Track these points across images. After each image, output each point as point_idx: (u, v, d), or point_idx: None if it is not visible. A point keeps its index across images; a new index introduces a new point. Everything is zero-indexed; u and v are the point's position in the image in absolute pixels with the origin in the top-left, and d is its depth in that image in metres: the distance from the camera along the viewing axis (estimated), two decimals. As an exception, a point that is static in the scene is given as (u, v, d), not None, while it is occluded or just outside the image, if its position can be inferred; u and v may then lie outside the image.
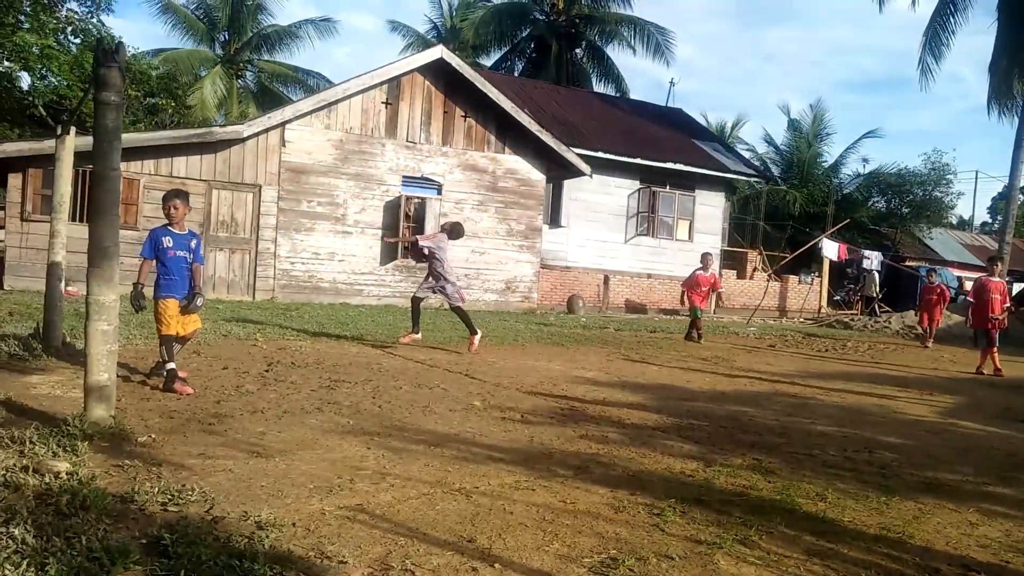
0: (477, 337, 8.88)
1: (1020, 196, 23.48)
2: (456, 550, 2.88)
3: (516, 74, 31.67)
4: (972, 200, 68.37)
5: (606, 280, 20.08)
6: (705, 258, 13.58)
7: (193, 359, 6.76)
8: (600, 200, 20.57)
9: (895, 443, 5.55)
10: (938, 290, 15.30)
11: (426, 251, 9.02)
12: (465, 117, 16.38)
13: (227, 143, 14.11)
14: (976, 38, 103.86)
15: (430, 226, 15.66)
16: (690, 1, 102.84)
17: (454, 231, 9.29)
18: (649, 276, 21.16)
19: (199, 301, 5.71)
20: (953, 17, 22.47)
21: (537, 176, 17.25)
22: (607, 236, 20.79)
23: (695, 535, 3.21)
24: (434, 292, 9.14)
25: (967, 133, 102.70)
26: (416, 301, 9.20)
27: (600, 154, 19.81)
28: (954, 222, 37.97)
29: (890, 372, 10.60)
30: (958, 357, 12.93)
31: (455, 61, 15.78)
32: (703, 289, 13.12)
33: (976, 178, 57.64)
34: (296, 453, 4.05)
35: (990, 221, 55.19)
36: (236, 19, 31.57)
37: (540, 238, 17.57)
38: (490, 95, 16.03)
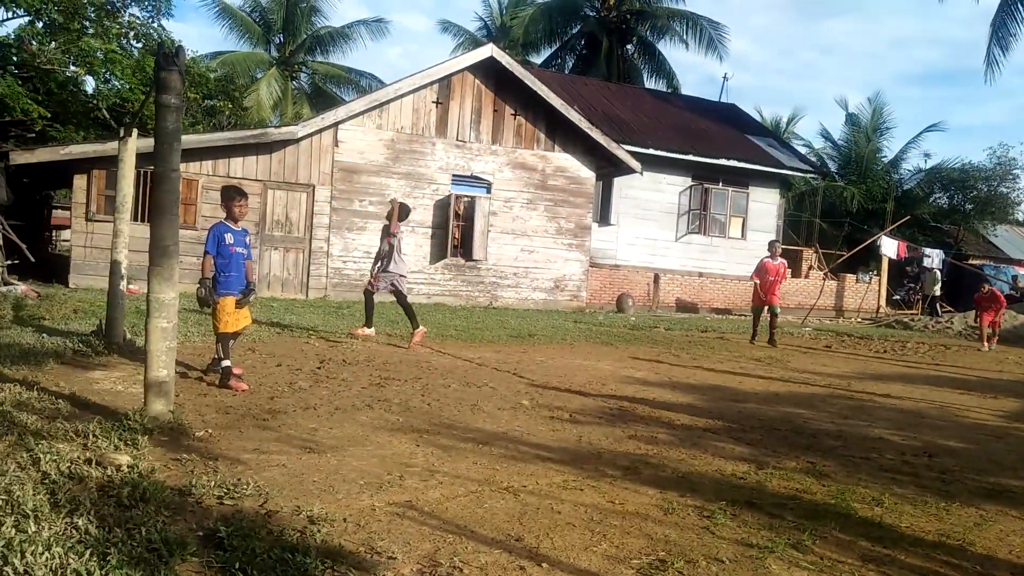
0: (421, 332, 8.56)
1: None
2: (504, 548, 2.89)
3: (566, 71, 31.57)
4: (1041, 195, 65.97)
5: (656, 279, 19.89)
6: (773, 245, 12.79)
7: (248, 356, 6.93)
8: (651, 197, 20.38)
9: (956, 447, 5.38)
10: (988, 295, 14.82)
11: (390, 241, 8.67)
12: (515, 115, 16.40)
13: (282, 144, 14.39)
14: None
15: (480, 225, 15.74)
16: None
17: (403, 211, 8.95)
18: (700, 275, 20.89)
19: (252, 296, 5.86)
20: (1022, 4, 21.61)
21: (587, 174, 17.18)
22: (657, 234, 20.59)
23: (746, 538, 3.16)
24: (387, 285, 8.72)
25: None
26: (369, 293, 8.91)
27: (651, 151, 19.62)
28: (1021, 218, 36.48)
29: (951, 374, 10.27)
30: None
31: (505, 59, 15.81)
32: (771, 279, 12.18)
33: (1047, 173, 55.32)
34: (347, 449, 4.12)
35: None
36: (291, 21, 32.19)
37: (589, 236, 17.49)
38: (540, 93, 16.02)
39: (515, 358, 8.36)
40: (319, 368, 6.66)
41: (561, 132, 16.73)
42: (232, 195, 5.88)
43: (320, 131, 14.69)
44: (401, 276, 8.81)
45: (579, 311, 16.54)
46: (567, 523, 3.22)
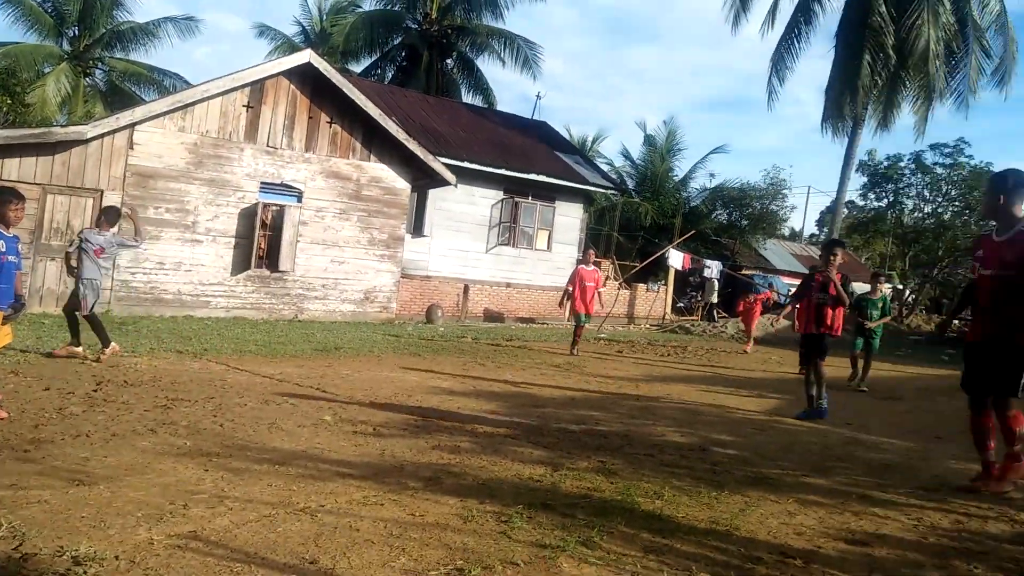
0: (110, 349, 7.84)
1: (844, 210, 25.69)
2: (297, 572, 2.81)
3: (386, 82, 31.33)
4: (804, 213, 74.50)
5: (466, 289, 20.20)
6: (586, 252, 12.88)
7: (10, 379, 6.19)
8: (464, 210, 20.69)
9: (726, 440, 5.94)
10: (751, 300, 16.57)
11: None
12: (331, 123, 16.00)
13: (68, 144, 13.03)
14: (816, 63, 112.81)
15: (289, 235, 15.18)
16: (559, 18, 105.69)
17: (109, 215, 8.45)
18: (508, 285, 21.48)
19: (23, 312, 5.25)
20: (797, 43, 24.31)
21: (402, 185, 17.11)
22: (469, 246, 20.93)
23: (540, 540, 3.29)
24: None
25: (803, 151, 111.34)
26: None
27: (466, 164, 19.93)
28: (786, 233, 41.07)
29: (725, 374, 11.32)
30: (785, 359, 13.97)
31: (322, 66, 15.39)
32: (588, 285, 12.25)
33: (808, 193, 62.77)
34: (124, 479, 3.80)
35: (817, 232, 60.09)
36: (88, 14, 29.17)
37: (402, 247, 17.43)
38: (357, 101, 15.75)
39: (319, 372, 8.14)
40: (95, 391, 6.08)
41: (378, 142, 16.55)
42: (7, 198, 5.26)
43: (113, 132, 13.46)
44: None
45: (389, 322, 16.41)
46: (366, 540, 3.18)
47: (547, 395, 7.81)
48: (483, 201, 21.10)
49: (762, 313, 17.25)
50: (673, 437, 5.92)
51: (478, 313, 20.48)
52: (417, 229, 19.85)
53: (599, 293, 12.65)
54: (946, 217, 28.10)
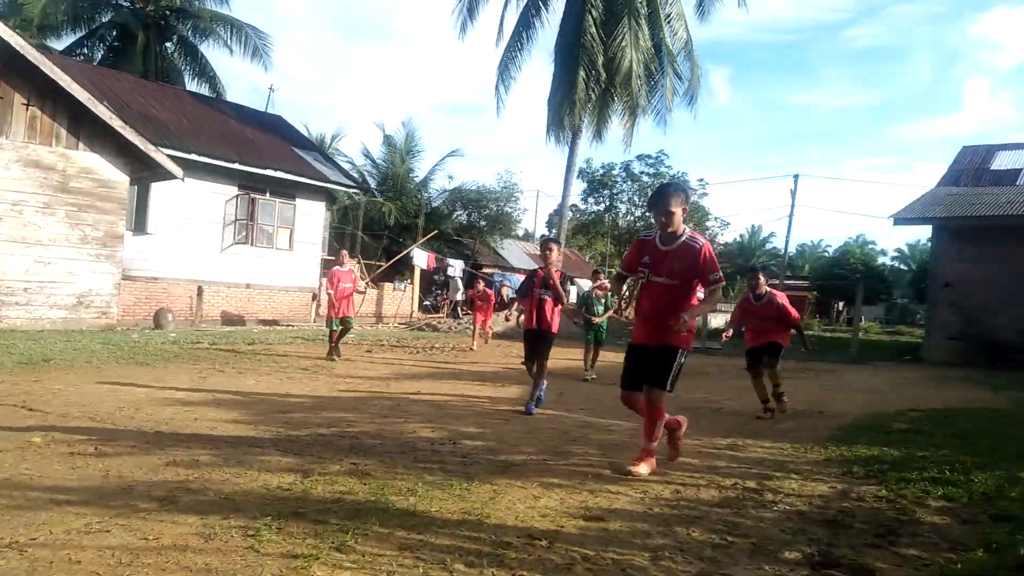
0: None
1: (569, 213, 27.74)
2: (4, 618, 2.44)
3: (95, 63, 28.02)
4: (535, 215, 79.39)
5: (200, 292, 18.83)
6: (340, 253, 12.58)
7: None
8: (194, 206, 19.24)
9: (474, 432, 6.16)
10: (481, 294, 17.11)
11: None
12: (27, 105, 14.01)
13: None
14: (542, 75, 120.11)
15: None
16: (289, 10, 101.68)
17: None
18: (248, 286, 20.40)
19: None
20: (520, 55, 25.75)
21: (118, 177, 15.47)
22: (202, 244, 19.52)
23: (292, 550, 3.17)
24: None
25: (534, 156, 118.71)
26: None
27: (194, 156, 18.55)
28: (521, 234, 43.51)
29: (471, 369, 11.75)
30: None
31: (14, 39, 13.39)
32: (346, 287, 11.91)
33: (537, 196, 67.37)
34: None
35: (547, 234, 64.70)
36: None
37: (122, 246, 15.78)
38: (60, 82, 13.95)
39: (24, 388, 7.12)
40: None
41: (87, 129, 14.80)
42: None
43: None
44: None
45: (110, 330, 14.80)
46: (90, 572, 2.84)
47: (294, 400, 7.55)
48: (216, 197, 19.82)
49: (496, 310, 17.98)
50: (424, 433, 6.01)
51: (215, 317, 19.22)
52: (140, 226, 18.14)
53: (356, 295, 12.40)
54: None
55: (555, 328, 7.65)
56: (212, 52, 31.77)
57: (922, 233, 52.81)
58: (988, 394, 11.60)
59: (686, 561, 3.27)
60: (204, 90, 30.35)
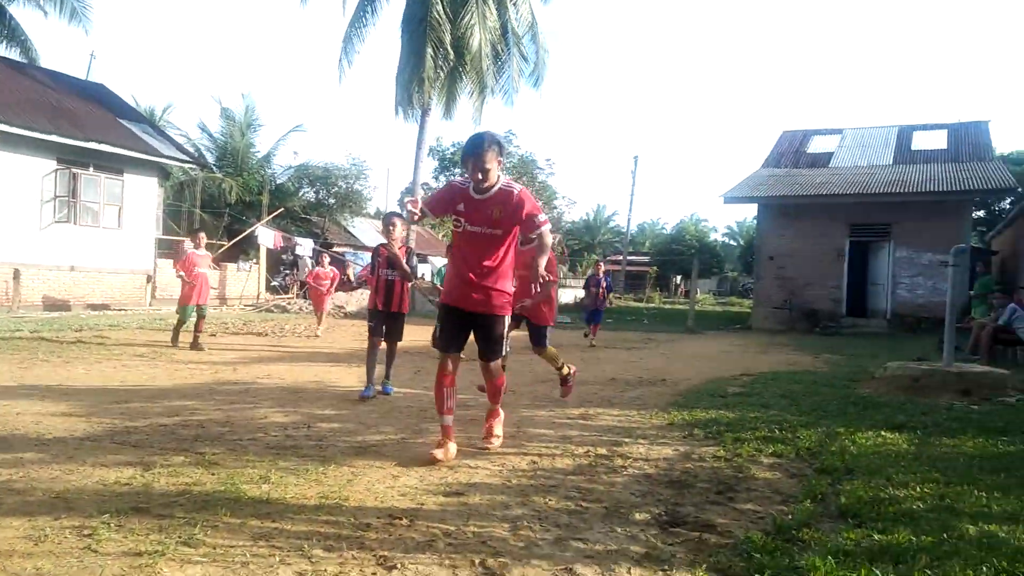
0: None
1: (421, 190, 27.55)
2: None
3: None
4: (385, 193, 78.28)
5: (16, 275, 17.13)
6: (197, 235, 11.79)
7: None
8: (6, 182, 17.41)
9: (330, 415, 6.03)
10: (315, 275, 15.78)
11: None
12: None
13: None
14: (390, 49, 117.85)
15: None
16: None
17: None
18: (72, 268, 18.78)
19: None
20: (364, 28, 25.05)
21: (-93, 148, 13.71)
22: (16, 223, 17.73)
23: (134, 548, 2.97)
24: None
25: (384, 132, 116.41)
26: None
27: (3, 127, 16.74)
28: (372, 212, 42.74)
29: (324, 350, 11.46)
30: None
31: None
32: (202, 271, 11.27)
33: (388, 174, 66.26)
34: None
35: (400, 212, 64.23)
36: None
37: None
38: None
39: None
40: None
41: None
42: None
43: None
44: None
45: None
46: None
47: (130, 388, 7.06)
48: (30, 172, 18.06)
49: (348, 290, 17.44)
50: (276, 418, 5.81)
51: (36, 302, 17.60)
52: (-62, 203, 16.24)
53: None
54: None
55: (405, 307, 7.40)
56: (22, 13, 28.69)
57: (749, 211, 56.95)
58: (810, 358, 12.73)
59: (544, 529, 3.37)
60: (14, 55, 27.36)
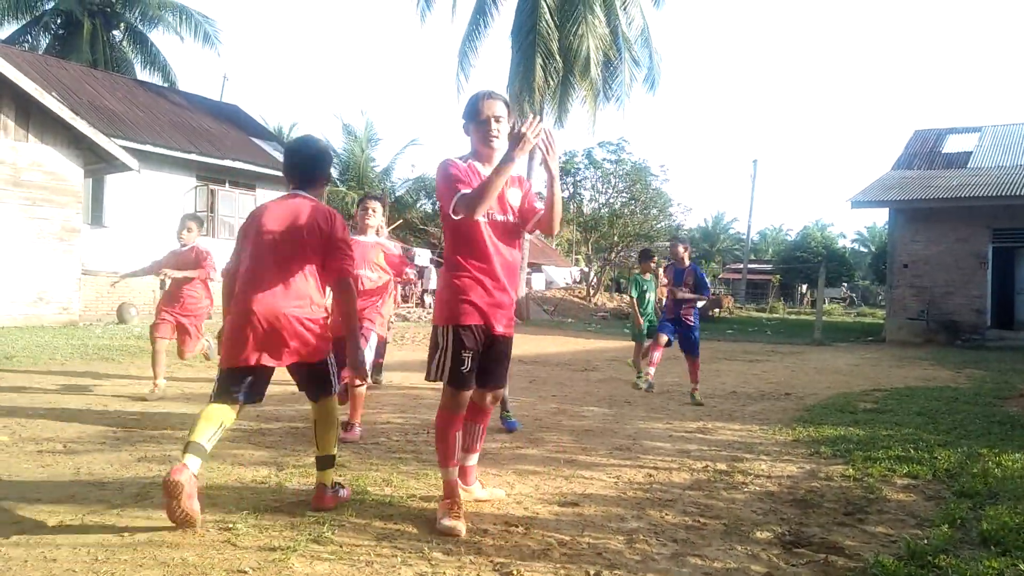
0: None
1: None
2: (-21, 620, 2.41)
3: (40, 51, 27.26)
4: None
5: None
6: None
7: None
8: (152, 198, 18.89)
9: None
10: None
11: None
12: (-31, 97, 13.63)
13: None
14: (502, 61, 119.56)
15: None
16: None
17: None
18: (212, 279, 20.12)
19: None
20: (478, 41, 25.56)
21: (72, 169, 15.13)
22: (162, 237, 19.16)
23: (268, 543, 3.16)
24: None
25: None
26: None
27: (149, 147, 18.18)
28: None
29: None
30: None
31: (-49, 27, 13.01)
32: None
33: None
34: None
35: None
36: None
37: (80, 240, 15.45)
38: (4, 72, 13.56)
39: (-17, 388, 6.96)
40: None
41: (37, 120, 14.44)
42: None
43: None
44: None
45: (72, 325, 14.51)
46: (66, 570, 2.82)
47: (267, 391, 7.47)
48: (173, 189, 19.49)
49: None
50: (397, 422, 6.02)
51: (177, 310, 18.89)
52: (96, 220, 17.78)
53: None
54: (617, 206, 31.81)
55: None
56: (162, 40, 31.22)
57: (879, 216, 54.00)
58: (949, 373, 11.92)
59: (660, 543, 3.33)
60: (156, 79, 29.73)
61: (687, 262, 8.22)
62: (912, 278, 21.44)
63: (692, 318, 8.04)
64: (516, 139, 3.31)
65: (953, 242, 20.79)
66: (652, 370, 8.14)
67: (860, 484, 4.41)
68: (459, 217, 3.42)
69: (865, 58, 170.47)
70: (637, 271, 9.51)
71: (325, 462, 3.74)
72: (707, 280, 8.41)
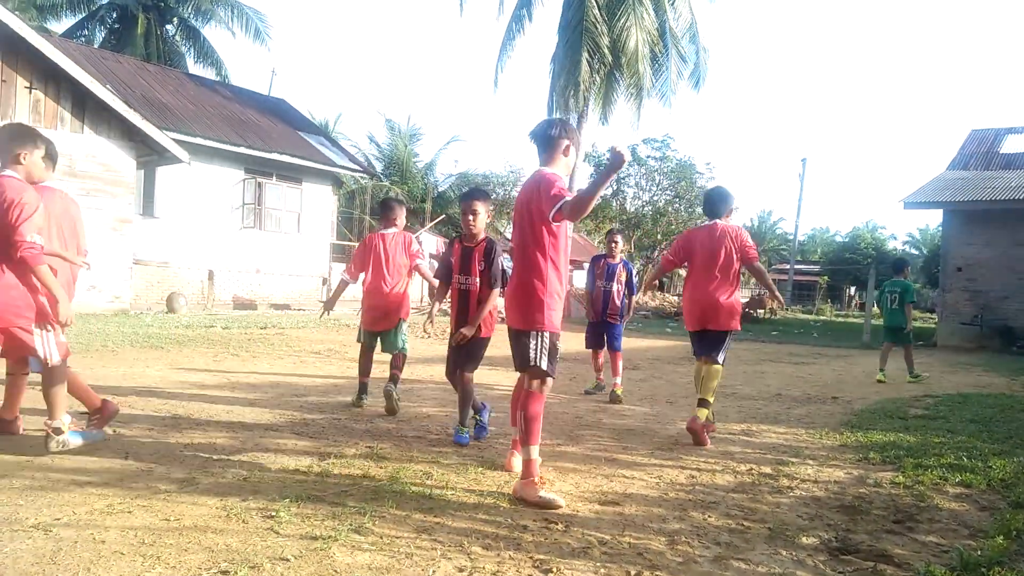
0: None
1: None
2: (31, 597, 2.47)
3: (95, 45, 28.02)
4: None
5: (211, 276, 18.90)
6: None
7: None
8: (202, 190, 19.29)
9: (492, 417, 6.15)
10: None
11: None
12: (30, 88, 14.01)
13: None
14: (546, 57, 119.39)
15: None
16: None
17: None
18: (258, 271, 20.45)
19: None
20: (522, 35, 25.44)
21: (125, 161, 15.50)
22: (211, 228, 19.58)
23: (310, 532, 3.19)
24: None
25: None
26: None
27: (199, 140, 18.55)
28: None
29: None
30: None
31: (14, 22, 13.39)
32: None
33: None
34: None
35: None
36: None
37: (132, 230, 15.84)
38: (62, 65, 13.94)
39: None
40: None
41: (92, 113, 14.81)
42: None
43: None
44: None
45: (123, 314, 14.89)
46: (114, 552, 2.88)
47: (308, 383, 7.58)
48: (222, 181, 19.88)
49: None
50: (439, 417, 6.04)
51: (227, 301, 19.30)
52: (147, 210, 18.21)
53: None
54: (660, 204, 31.46)
55: (486, 330, 5.37)
56: (214, 34, 31.89)
57: (932, 218, 52.55)
58: (1005, 380, 11.54)
59: (703, 546, 3.27)
60: (209, 74, 30.32)
61: (618, 257, 7.92)
62: (966, 282, 20.82)
63: (617, 317, 7.89)
64: (618, 156, 3.56)
65: (1011, 246, 20.12)
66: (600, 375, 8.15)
67: (910, 492, 4.28)
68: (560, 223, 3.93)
69: (921, 55, 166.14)
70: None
71: None
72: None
